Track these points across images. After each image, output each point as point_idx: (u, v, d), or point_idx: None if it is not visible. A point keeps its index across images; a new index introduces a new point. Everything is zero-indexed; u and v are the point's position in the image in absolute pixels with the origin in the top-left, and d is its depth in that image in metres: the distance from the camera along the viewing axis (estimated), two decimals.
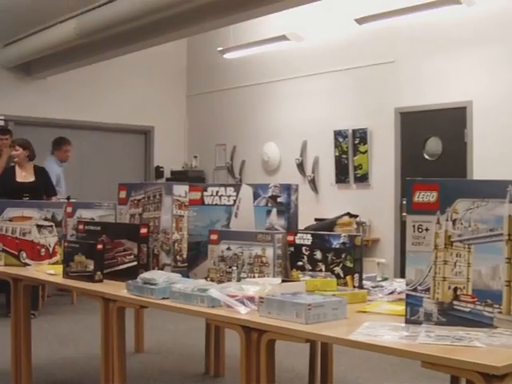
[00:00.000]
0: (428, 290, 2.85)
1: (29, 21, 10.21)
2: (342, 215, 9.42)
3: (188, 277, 4.16)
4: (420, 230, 2.86)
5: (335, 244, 3.80)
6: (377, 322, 3.03)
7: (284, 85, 11.15)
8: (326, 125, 10.30)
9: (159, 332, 7.32)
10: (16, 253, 5.13)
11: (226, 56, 11.38)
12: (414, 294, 2.89)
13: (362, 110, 9.97)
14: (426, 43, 9.17)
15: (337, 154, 10.18)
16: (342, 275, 3.76)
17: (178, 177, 12.49)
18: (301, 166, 10.70)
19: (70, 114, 11.84)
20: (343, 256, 3.76)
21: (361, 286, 3.75)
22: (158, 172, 12.94)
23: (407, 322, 2.90)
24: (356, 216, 9.56)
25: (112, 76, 12.24)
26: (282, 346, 3.20)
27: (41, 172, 8.26)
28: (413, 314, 2.90)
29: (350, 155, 10.04)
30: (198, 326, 6.03)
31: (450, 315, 2.83)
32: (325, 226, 8.65)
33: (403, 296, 3.40)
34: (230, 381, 5.67)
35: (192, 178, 11.92)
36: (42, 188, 8.09)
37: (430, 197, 2.85)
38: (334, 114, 10.31)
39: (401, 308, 3.14)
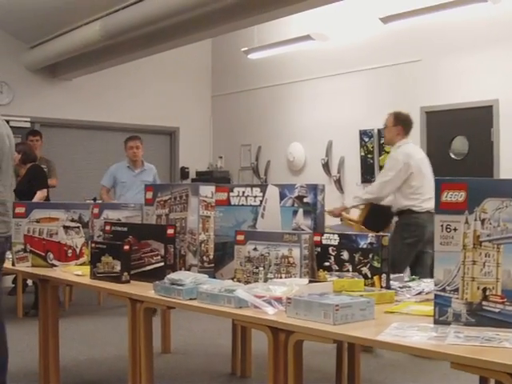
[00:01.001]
0: (457, 290, 2.83)
1: (54, 23, 10.27)
2: None
3: (214, 277, 4.16)
4: (448, 230, 2.84)
5: (362, 244, 3.78)
6: (405, 322, 3.01)
7: (309, 84, 11.12)
8: (351, 124, 10.27)
9: (185, 332, 7.34)
10: (43, 254, 5.15)
11: (251, 56, 11.38)
12: (442, 294, 2.87)
13: (387, 109, 9.84)
14: (451, 42, 9.11)
15: (362, 153, 10.15)
16: (369, 275, 3.74)
17: (204, 177, 12.50)
18: (326, 166, 10.68)
19: (95, 115, 11.89)
20: (370, 256, 3.74)
21: (388, 287, 3.73)
22: (184, 173, 12.96)
23: (436, 322, 2.88)
24: None
25: (137, 77, 12.27)
26: (308, 345, 3.19)
27: (28, 171, 8.38)
28: (441, 314, 2.88)
29: (375, 155, 10.01)
30: (225, 326, 6.05)
31: (479, 316, 2.81)
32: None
33: (431, 296, 3.38)
34: (257, 381, 5.67)
35: (217, 178, 11.93)
36: (26, 188, 8.10)
37: (458, 196, 2.83)
38: (359, 114, 10.27)
39: (429, 308, 3.12)
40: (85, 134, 11.88)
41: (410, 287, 3.92)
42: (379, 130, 9.87)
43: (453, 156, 9.24)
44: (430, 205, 6.14)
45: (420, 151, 7.20)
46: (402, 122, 6.99)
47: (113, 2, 9.09)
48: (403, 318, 3.14)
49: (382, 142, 9.85)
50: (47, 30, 10.57)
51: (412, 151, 6.90)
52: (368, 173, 10.08)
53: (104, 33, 9.31)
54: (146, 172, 9.04)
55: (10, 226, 4.64)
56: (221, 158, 12.91)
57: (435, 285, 2.89)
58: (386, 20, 9.11)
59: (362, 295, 3.34)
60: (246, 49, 11.19)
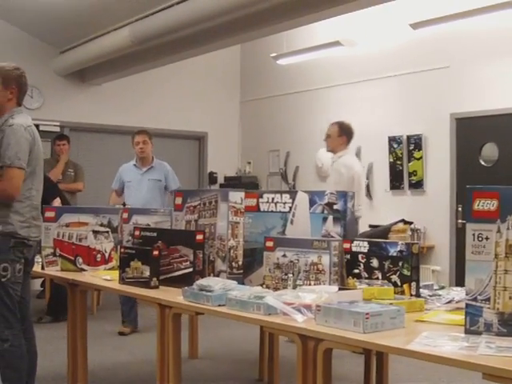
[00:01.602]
0: (488, 299, 2.81)
1: (84, 28, 10.33)
2: (397, 222, 9.30)
3: (243, 283, 4.16)
4: (480, 239, 2.81)
5: (392, 252, 3.76)
6: (435, 331, 2.99)
7: (337, 90, 11.10)
8: (380, 131, 10.23)
9: (213, 338, 7.33)
10: (72, 258, 5.18)
11: (280, 62, 11.37)
12: (473, 303, 2.84)
13: (416, 115, 9.88)
14: (481, 48, 9.06)
15: (391, 160, 10.11)
16: (399, 283, 3.72)
17: (232, 182, 12.50)
18: None
19: (124, 120, 11.93)
20: (400, 264, 3.72)
21: (418, 295, 3.71)
22: (212, 178, 12.97)
23: (467, 332, 2.86)
24: (411, 223, 9.40)
25: (166, 82, 12.31)
26: (336, 352, 3.18)
27: None
28: (472, 324, 2.86)
29: (404, 161, 9.96)
30: (252, 332, 6.03)
31: (510, 326, 2.78)
32: (379, 233, 8.55)
33: (461, 305, 3.37)
34: None
35: (245, 183, 11.92)
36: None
37: (490, 205, 2.80)
38: (388, 120, 10.24)
39: (459, 318, 3.10)
40: (113, 139, 11.92)
41: (439, 295, 3.90)
42: (408, 137, 9.84)
43: (483, 163, 9.17)
44: (361, 213, 6.92)
45: (357, 160, 7.66)
46: (346, 133, 7.41)
47: (142, 7, 9.12)
48: (433, 327, 3.13)
49: (411, 148, 9.81)
50: (77, 35, 10.63)
51: (352, 162, 7.34)
52: (397, 179, 10.04)
53: (133, 38, 9.34)
54: (155, 170, 7.98)
55: (41, 230, 4.73)
56: (249, 163, 12.91)
57: (466, 294, 2.87)
58: (415, 26, 9.07)
59: (391, 303, 3.32)
60: (275, 54, 11.19)
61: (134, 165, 8.02)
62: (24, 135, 4.45)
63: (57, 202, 7.46)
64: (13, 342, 4.45)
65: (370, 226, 9.53)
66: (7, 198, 4.44)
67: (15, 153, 4.39)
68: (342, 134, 7.37)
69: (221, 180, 13.00)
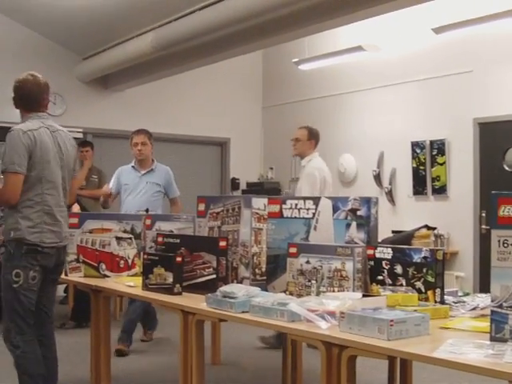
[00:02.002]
0: None
1: (106, 35, 10.37)
2: (420, 227, 9.27)
3: (266, 290, 4.15)
4: (505, 245, 2.79)
5: (416, 258, 3.74)
6: (460, 339, 2.97)
7: (360, 96, 11.07)
8: (403, 136, 10.19)
9: (235, 344, 7.31)
10: (95, 264, 5.20)
11: (302, 67, 11.36)
12: (499, 310, 2.82)
13: (439, 120, 9.83)
14: (504, 52, 9.00)
15: (414, 165, 10.06)
16: (423, 290, 3.70)
17: (254, 188, 12.50)
18: (378, 178, 10.61)
19: (147, 126, 11.82)
20: (424, 270, 3.70)
21: (442, 302, 3.68)
22: (234, 184, 12.96)
23: (492, 339, 2.84)
24: (434, 228, 9.41)
25: (188, 88, 12.33)
26: (359, 359, 3.16)
27: None
28: (498, 331, 2.83)
29: (427, 167, 9.91)
30: None
31: None
32: (402, 239, 8.53)
33: (486, 312, 3.35)
34: None
35: (268, 189, 11.91)
36: None
37: None
38: (411, 125, 10.19)
39: (484, 325, 3.08)
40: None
41: (464, 302, 3.87)
42: (431, 142, 9.79)
43: (506, 168, 9.11)
44: None
45: (324, 163, 7.61)
46: (314, 137, 7.54)
47: (165, 13, 9.15)
48: (458, 334, 3.11)
49: (434, 153, 9.76)
50: (100, 41, 10.68)
51: (322, 165, 7.46)
52: (420, 185, 9.99)
53: (156, 44, 9.37)
54: (155, 173, 7.45)
55: (61, 235, 4.62)
56: (271, 168, 12.89)
57: (492, 301, 2.85)
58: (438, 30, 9.03)
59: (416, 310, 3.31)
60: (297, 60, 11.18)
61: (133, 167, 7.47)
62: (21, 140, 4.46)
63: (75, 208, 7.46)
64: (24, 348, 4.47)
65: (393, 231, 9.51)
66: (5, 202, 4.56)
67: (10, 158, 4.43)
68: (311, 138, 7.51)
69: (243, 186, 12.99)
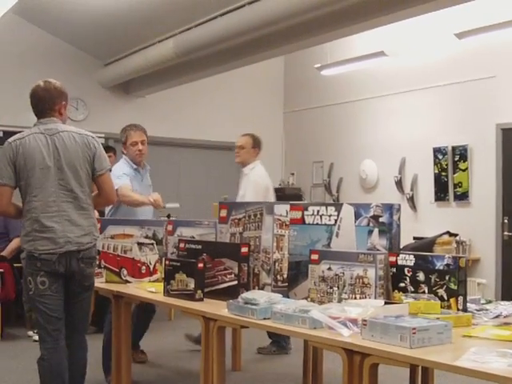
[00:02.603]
0: None
1: (128, 41, 10.42)
2: (442, 234, 9.23)
3: (288, 297, 4.14)
4: None
5: (439, 265, 3.72)
6: (483, 347, 2.95)
7: (382, 101, 11.05)
8: (424, 142, 10.15)
9: (255, 350, 7.29)
10: (117, 270, 5.21)
11: (324, 73, 11.35)
12: None
13: (462, 126, 9.79)
14: None
15: (436, 171, 10.02)
16: (445, 297, 3.68)
17: (275, 194, 12.44)
18: (399, 184, 10.57)
19: (168, 131, 11.99)
20: (447, 278, 3.68)
21: (465, 309, 3.66)
22: None
23: None
24: (456, 235, 9.36)
25: (209, 94, 12.34)
26: (380, 366, 3.15)
27: None
28: None
29: (449, 173, 9.86)
30: (296, 345, 6.00)
31: None
32: (424, 245, 8.50)
33: (509, 320, 3.33)
34: None
35: (289, 195, 11.88)
36: None
37: None
38: (433, 131, 10.15)
39: (508, 333, 3.06)
40: (157, 150, 11.94)
41: (487, 310, 3.84)
42: (453, 148, 9.74)
43: None
44: None
45: (266, 172, 7.56)
46: (258, 145, 7.49)
47: (186, 19, 9.17)
48: (481, 343, 3.09)
49: (456, 159, 9.72)
50: (121, 47, 10.72)
51: (264, 172, 7.41)
52: (442, 191, 9.94)
53: (178, 50, 9.39)
54: (146, 173, 6.65)
55: (56, 241, 4.45)
56: (292, 174, 12.87)
57: None
58: (461, 36, 8.99)
59: (438, 318, 3.29)
60: (318, 65, 11.16)
61: (135, 169, 6.45)
62: (5, 151, 4.53)
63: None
64: (43, 355, 4.49)
65: (415, 238, 9.47)
66: None
67: None
68: (255, 145, 7.45)
69: None
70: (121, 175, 6.15)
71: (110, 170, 4.83)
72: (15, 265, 7.96)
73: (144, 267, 5.25)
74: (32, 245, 4.44)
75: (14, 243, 8.00)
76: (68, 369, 4.54)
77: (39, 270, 4.44)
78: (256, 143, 7.48)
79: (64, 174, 4.48)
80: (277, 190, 12.63)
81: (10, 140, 4.57)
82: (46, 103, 4.62)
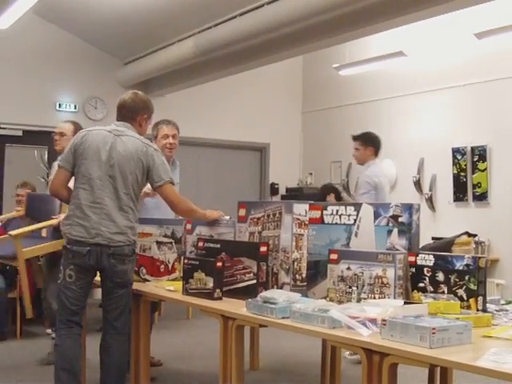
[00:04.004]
0: None
1: (148, 40, 10.45)
2: (460, 234, 9.18)
3: (307, 296, 4.14)
4: None
5: (458, 265, 3.71)
6: (503, 348, 2.94)
7: (400, 101, 11.03)
8: (443, 142, 10.12)
9: (274, 350, 7.29)
10: (136, 268, 5.20)
11: (342, 73, 11.32)
12: None
13: (481, 126, 9.75)
14: None
15: (455, 171, 9.99)
16: (465, 298, 3.67)
17: (293, 194, 12.49)
18: (418, 184, 10.55)
19: (187, 130, 11.87)
20: (466, 278, 3.66)
21: (485, 310, 3.65)
22: (273, 189, 12.96)
23: None
24: (475, 235, 9.30)
25: (228, 93, 12.36)
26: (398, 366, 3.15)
27: None
28: None
29: (468, 173, 9.82)
30: (314, 344, 5.99)
31: None
32: (442, 246, 8.46)
33: None
34: None
35: (307, 195, 11.88)
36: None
37: None
38: (451, 131, 10.12)
39: None
40: (178, 150, 11.99)
41: (507, 311, 3.84)
42: (472, 148, 9.71)
43: None
44: None
45: None
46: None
47: (206, 19, 9.19)
48: (501, 343, 3.08)
49: (475, 159, 9.68)
50: (141, 46, 10.76)
51: None
52: (461, 191, 9.91)
53: (197, 49, 9.41)
54: (176, 169, 6.65)
55: (90, 231, 4.60)
56: (311, 174, 12.87)
57: None
58: (480, 36, 8.95)
59: (458, 318, 3.28)
60: (337, 65, 11.14)
61: None
62: (72, 138, 4.90)
63: None
64: (57, 341, 4.73)
65: (433, 238, 9.44)
66: (50, 192, 5.01)
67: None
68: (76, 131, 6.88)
69: (282, 191, 12.98)
70: None
71: (172, 183, 4.84)
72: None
73: (163, 266, 5.27)
74: (68, 229, 4.66)
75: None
76: (103, 365, 4.76)
77: (70, 263, 4.62)
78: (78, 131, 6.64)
79: (114, 171, 4.65)
80: (295, 190, 12.69)
81: (82, 130, 4.95)
82: (129, 112, 4.91)
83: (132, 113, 4.89)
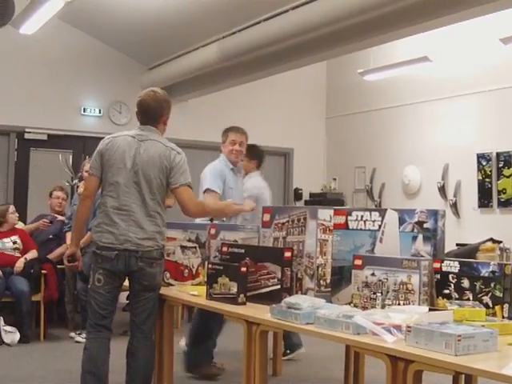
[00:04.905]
0: None
1: (172, 45, 10.48)
2: (485, 241, 9.14)
3: (331, 302, 4.13)
4: None
5: (484, 272, 3.68)
6: None
7: (425, 107, 10.98)
8: (468, 148, 10.07)
9: (296, 355, 7.26)
10: None
11: (366, 78, 11.29)
12: None
13: (506, 132, 9.68)
14: None
15: (480, 177, 9.93)
16: (490, 305, 3.64)
17: (317, 199, 12.47)
18: (442, 190, 10.50)
19: (211, 136, 11.97)
20: (492, 285, 3.64)
21: (510, 317, 3.62)
22: (297, 194, 12.94)
23: None
24: (499, 242, 9.27)
25: (252, 98, 12.36)
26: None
27: None
28: None
29: (493, 179, 9.77)
30: (337, 351, 5.96)
31: None
32: (467, 252, 8.43)
33: None
34: None
35: (331, 200, 11.87)
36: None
37: None
38: (476, 137, 10.07)
39: None
40: (201, 155, 11.98)
41: None
42: (497, 154, 9.65)
43: None
44: None
45: None
46: None
47: (230, 24, 9.21)
48: None
49: (500, 165, 9.62)
50: (165, 52, 10.79)
51: None
52: (485, 197, 9.85)
53: (221, 55, 9.42)
54: (240, 178, 6.83)
55: (119, 238, 4.66)
56: (334, 179, 12.85)
57: None
58: (506, 41, 8.90)
59: (483, 325, 3.25)
60: (361, 70, 11.11)
61: (232, 169, 6.64)
62: (98, 145, 4.86)
63: None
64: (85, 344, 4.80)
65: (458, 244, 9.39)
66: (82, 198, 5.04)
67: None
68: None
69: (306, 196, 12.96)
70: (213, 181, 6.36)
71: (190, 186, 4.82)
72: (58, 266, 8.05)
73: (187, 270, 5.27)
74: (99, 236, 4.70)
75: (62, 248, 8.09)
76: (129, 369, 4.80)
77: (99, 268, 4.68)
78: None
79: (138, 178, 4.69)
80: (318, 195, 12.67)
81: (107, 136, 4.91)
82: (153, 115, 4.91)
83: (156, 114, 4.90)
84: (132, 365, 4.77)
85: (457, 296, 3.76)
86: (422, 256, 3.94)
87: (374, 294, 3.90)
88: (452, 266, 3.80)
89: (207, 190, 6.33)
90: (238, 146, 6.69)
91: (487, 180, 9.84)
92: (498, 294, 3.62)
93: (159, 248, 4.73)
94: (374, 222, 4.19)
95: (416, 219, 4.03)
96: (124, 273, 4.71)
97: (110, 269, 4.66)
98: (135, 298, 4.79)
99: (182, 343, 6.79)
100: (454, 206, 10.31)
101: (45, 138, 11.00)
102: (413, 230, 4.04)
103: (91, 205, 4.96)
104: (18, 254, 8.14)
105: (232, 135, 6.81)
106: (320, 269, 4.29)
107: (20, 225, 8.75)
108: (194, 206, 4.83)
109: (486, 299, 3.66)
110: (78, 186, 8.21)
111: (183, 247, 5.28)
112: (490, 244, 9.04)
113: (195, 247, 5.29)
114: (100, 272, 4.68)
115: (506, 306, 3.61)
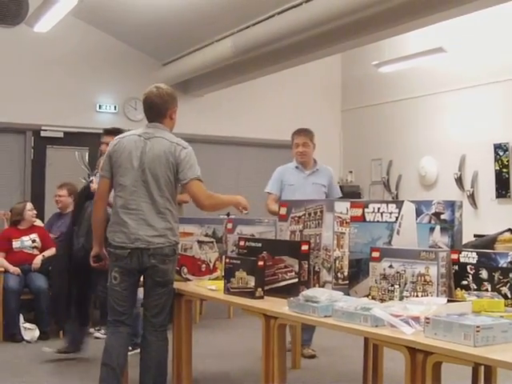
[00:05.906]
0: None
1: (186, 41, 10.47)
2: (503, 231, 9.08)
3: (348, 294, 4.12)
4: None
5: (502, 263, 3.67)
6: None
7: (441, 98, 10.94)
8: (485, 138, 10.02)
9: (315, 348, 7.25)
10: (177, 268, 5.22)
11: (381, 70, 11.26)
12: None
13: None
14: None
15: (497, 168, 9.89)
16: (509, 296, 3.62)
17: None
18: (459, 181, 10.46)
19: (227, 130, 12.04)
20: (511, 275, 3.62)
21: None
22: None
23: None
24: None
25: (267, 91, 12.34)
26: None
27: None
28: None
29: (510, 169, 9.72)
30: (355, 343, 5.95)
31: None
32: (484, 243, 8.38)
33: None
34: None
35: (347, 193, 11.82)
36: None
37: None
38: (493, 127, 10.02)
39: None
40: (217, 149, 12.02)
41: None
42: None
43: None
44: None
45: None
46: None
47: (244, 18, 9.19)
48: None
49: None
50: (180, 47, 10.79)
51: None
52: (503, 188, 9.80)
53: (236, 49, 9.41)
54: (320, 174, 7.30)
55: (129, 237, 4.70)
56: (351, 172, 12.82)
57: None
58: None
59: (502, 316, 3.24)
60: (376, 62, 11.08)
61: (296, 167, 7.30)
62: (108, 147, 4.95)
63: None
64: (105, 338, 4.92)
65: (475, 235, 9.32)
66: (95, 202, 5.06)
67: None
68: None
69: None
70: (271, 184, 7.36)
71: (200, 180, 4.85)
72: None
73: (204, 265, 5.28)
74: (112, 236, 4.76)
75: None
76: (142, 362, 4.84)
77: (114, 266, 4.76)
78: None
79: (146, 176, 4.72)
80: None
81: (115, 137, 4.95)
82: (158, 111, 4.93)
83: (161, 110, 4.93)
84: (144, 357, 4.82)
85: (475, 287, 3.75)
86: (439, 247, 3.93)
87: (392, 286, 3.89)
88: (470, 256, 3.79)
89: (267, 194, 7.34)
90: (301, 147, 7.29)
91: (504, 170, 9.79)
92: None
93: (171, 244, 4.74)
94: (390, 213, 4.18)
95: (433, 210, 4.02)
96: (138, 270, 4.75)
97: (124, 267, 4.72)
98: (148, 293, 4.83)
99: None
100: (472, 196, 10.27)
101: (61, 135, 11.03)
102: (430, 222, 4.03)
103: (104, 206, 4.97)
104: (36, 252, 8.19)
105: (295, 138, 7.44)
106: (337, 262, 4.28)
107: (38, 222, 8.77)
108: (206, 198, 4.83)
109: (505, 290, 3.64)
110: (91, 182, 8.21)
111: (200, 242, 5.29)
112: (508, 234, 8.94)
113: (212, 242, 5.31)
114: (116, 270, 4.75)
115: None
